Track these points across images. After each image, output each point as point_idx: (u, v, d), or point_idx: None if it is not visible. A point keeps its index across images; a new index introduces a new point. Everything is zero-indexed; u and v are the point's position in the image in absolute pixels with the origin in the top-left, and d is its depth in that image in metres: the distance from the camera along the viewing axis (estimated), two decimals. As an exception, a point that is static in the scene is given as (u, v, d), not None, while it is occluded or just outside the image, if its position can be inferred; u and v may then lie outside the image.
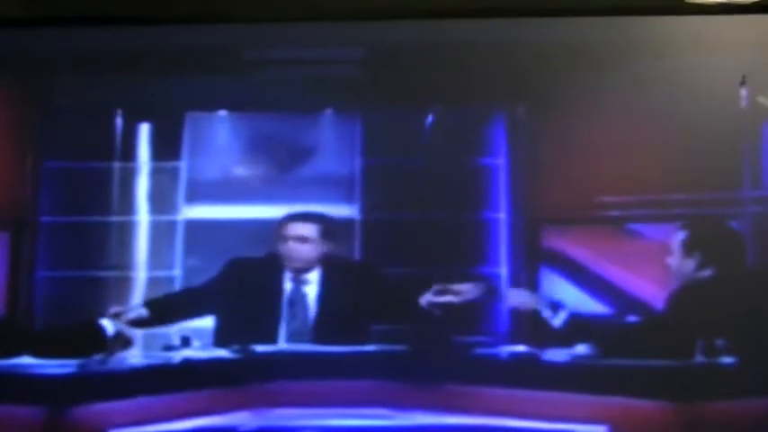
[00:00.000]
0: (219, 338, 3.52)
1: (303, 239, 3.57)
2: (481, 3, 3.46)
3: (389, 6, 3.49)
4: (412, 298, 3.49)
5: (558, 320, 3.44)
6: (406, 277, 3.53)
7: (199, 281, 3.60)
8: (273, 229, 3.57)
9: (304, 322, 3.55)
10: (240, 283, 3.55)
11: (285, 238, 3.57)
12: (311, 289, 3.58)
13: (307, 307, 3.56)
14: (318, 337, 3.51)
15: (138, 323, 3.53)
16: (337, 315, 3.53)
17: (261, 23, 3.57)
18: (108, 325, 3.54)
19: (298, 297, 3.57)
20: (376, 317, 3.51)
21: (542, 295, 3.50)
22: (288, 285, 3.58)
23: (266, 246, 3.59)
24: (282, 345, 3.51)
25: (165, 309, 3.56)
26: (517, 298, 3.51)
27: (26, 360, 3.47)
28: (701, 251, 3.44)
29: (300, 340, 3.52)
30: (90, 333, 3.53)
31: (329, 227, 3.56)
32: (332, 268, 3.58)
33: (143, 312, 3.54)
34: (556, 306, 3.45)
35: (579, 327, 3.45)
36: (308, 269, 3.58)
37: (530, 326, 3.49)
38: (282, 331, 3.53)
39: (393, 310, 3.53)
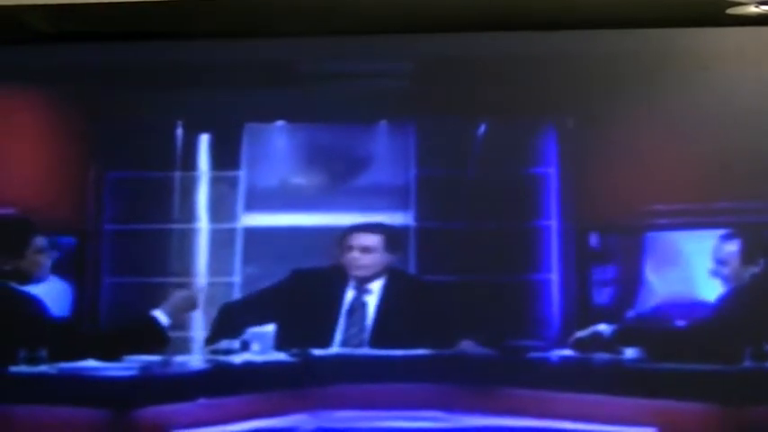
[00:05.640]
0: (278, 344, 3.59)
1: (367, 249, 3.64)
2: (531, 16, 3.51)
3: (440, 19, 3.55)
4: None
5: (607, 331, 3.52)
6: (458, 285, 3.62)
7: (257, 288, 3.67)
8: (337, 239, 3.63)
9: (361, 331, 3.61)
10: (302, 292, 3.61)
11: (350, 248, 3.64)
12: (372, 299, 3.64)
13: (365, 316, 3.63)
14: (374, 347, 3.58)
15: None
16: (395, 325, 3.60)
17: (316, 37, 3.64)
18: (161, 315, 3.63)
19: (357, 305, 3.63)
20: (429, 330, 3.58)
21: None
22: (350, 294, 3.64)
23: (322, 253, 3.65)
24: (336, 349, 3.58)
25: (229, 314, 3.64)
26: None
27: (90, 363, 3.55)
28: (763, 258, 3.49)
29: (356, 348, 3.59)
30: (145, 327, 3.62)
31: (393, 237, 3.63)
32: (395, 279, 3.64)
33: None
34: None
35: (629, 333, 3.52)
36: (371, 279, 3.65)
37: (579, 330, 3.56)
38: (339, 339, 3.59)
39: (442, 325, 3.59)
